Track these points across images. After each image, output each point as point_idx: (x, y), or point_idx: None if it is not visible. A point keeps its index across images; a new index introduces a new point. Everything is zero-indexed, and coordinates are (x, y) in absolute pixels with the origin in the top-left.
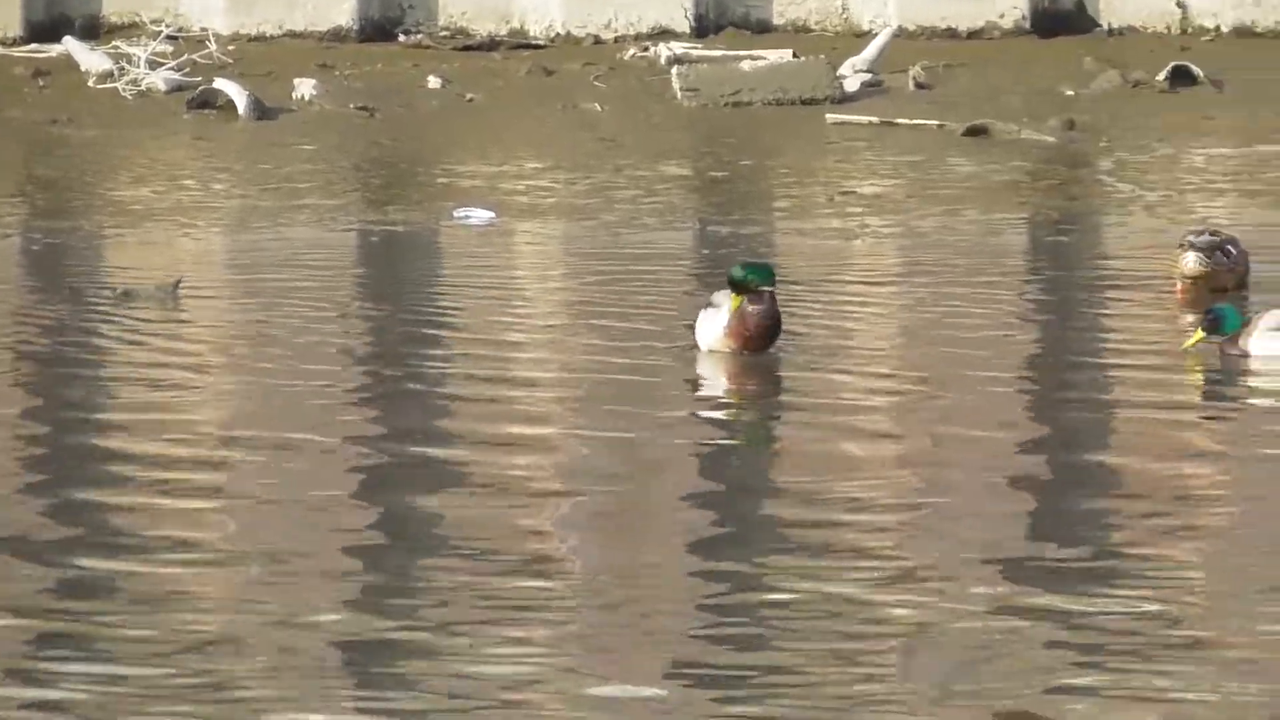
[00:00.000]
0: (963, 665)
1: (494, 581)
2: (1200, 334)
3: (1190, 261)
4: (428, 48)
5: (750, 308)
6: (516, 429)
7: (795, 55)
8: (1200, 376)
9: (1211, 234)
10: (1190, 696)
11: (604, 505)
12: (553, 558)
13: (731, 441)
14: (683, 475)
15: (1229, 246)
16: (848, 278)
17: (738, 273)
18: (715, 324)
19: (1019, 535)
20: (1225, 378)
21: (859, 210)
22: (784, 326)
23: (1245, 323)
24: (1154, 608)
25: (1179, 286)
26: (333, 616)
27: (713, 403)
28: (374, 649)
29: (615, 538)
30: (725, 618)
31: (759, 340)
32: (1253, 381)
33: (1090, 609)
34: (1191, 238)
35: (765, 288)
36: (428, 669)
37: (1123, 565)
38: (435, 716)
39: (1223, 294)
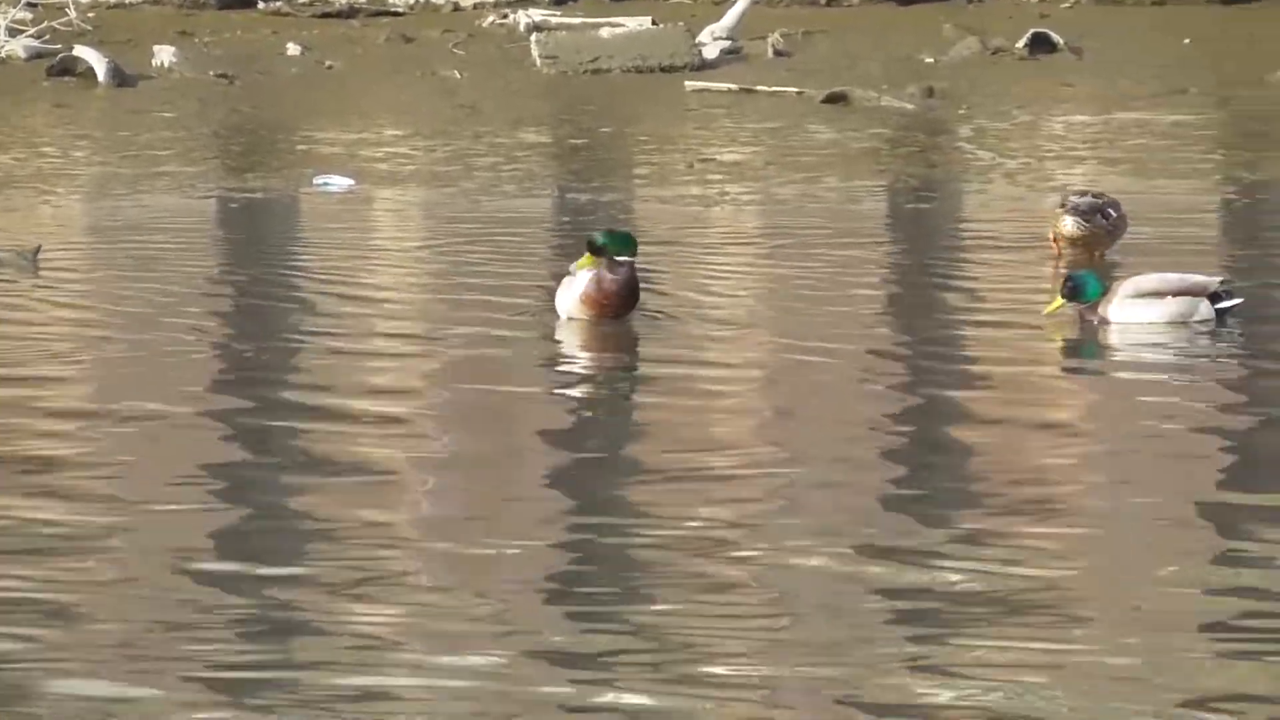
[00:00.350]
0: (801, 621)
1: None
2: (1060, 301)
3: (1069, 224)
4: (287, 15)
5: (608, 275)
6: (371, 399)
7: (654, 22)
8: (1059, 344)
9: (1094, 196)
10: (1038, 661)
11: (459, 482)
12: (399, 528)
13: (588, 413)
14: (536, 445)
15: (1110, 210)
16: (707, 244)
17: (598, 238)
18: (573, 290)
19: (867, 506)
20: (1084, 345)
21: (718, 177)
22: (642, 294)
23: (1105, 289)
24: (1019, 573)
25: (1056, 249)
26: (217, 566)
27: (568, 370)
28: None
29: (468, 501)
30: (578, 587)
31: (616, 307)
32: (1112, 350)
33: (934, 581)
34: (1074, 199)
35: (625, 257)
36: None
37: (975, 537)
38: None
39: (1099, 258)
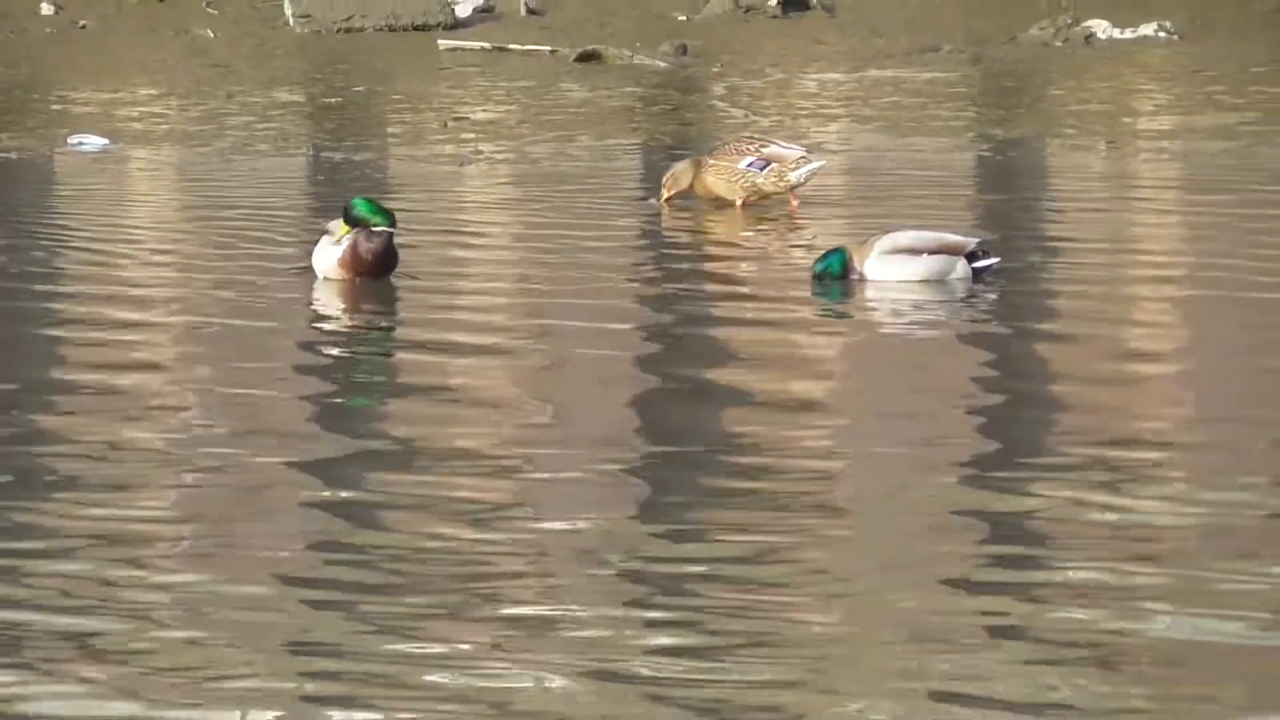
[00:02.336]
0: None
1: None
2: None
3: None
4: None
5: (365, 243)
6: (132, 357)
7: None
8: (818, 302)
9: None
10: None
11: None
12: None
13: (341, 399)
14: (291, 411)
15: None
16: (461, 203)
17: (360, 209)
18: (331, 253)
19: (621, 486)
20: (841, 304)
21: (472, 136)
22: (400, 255)
23: (845, 259)
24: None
25: (793, 203)
26: None
27: (324, 335)
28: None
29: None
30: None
31: (373, 271)
32: (867, 305)
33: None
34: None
35: (382, 227)
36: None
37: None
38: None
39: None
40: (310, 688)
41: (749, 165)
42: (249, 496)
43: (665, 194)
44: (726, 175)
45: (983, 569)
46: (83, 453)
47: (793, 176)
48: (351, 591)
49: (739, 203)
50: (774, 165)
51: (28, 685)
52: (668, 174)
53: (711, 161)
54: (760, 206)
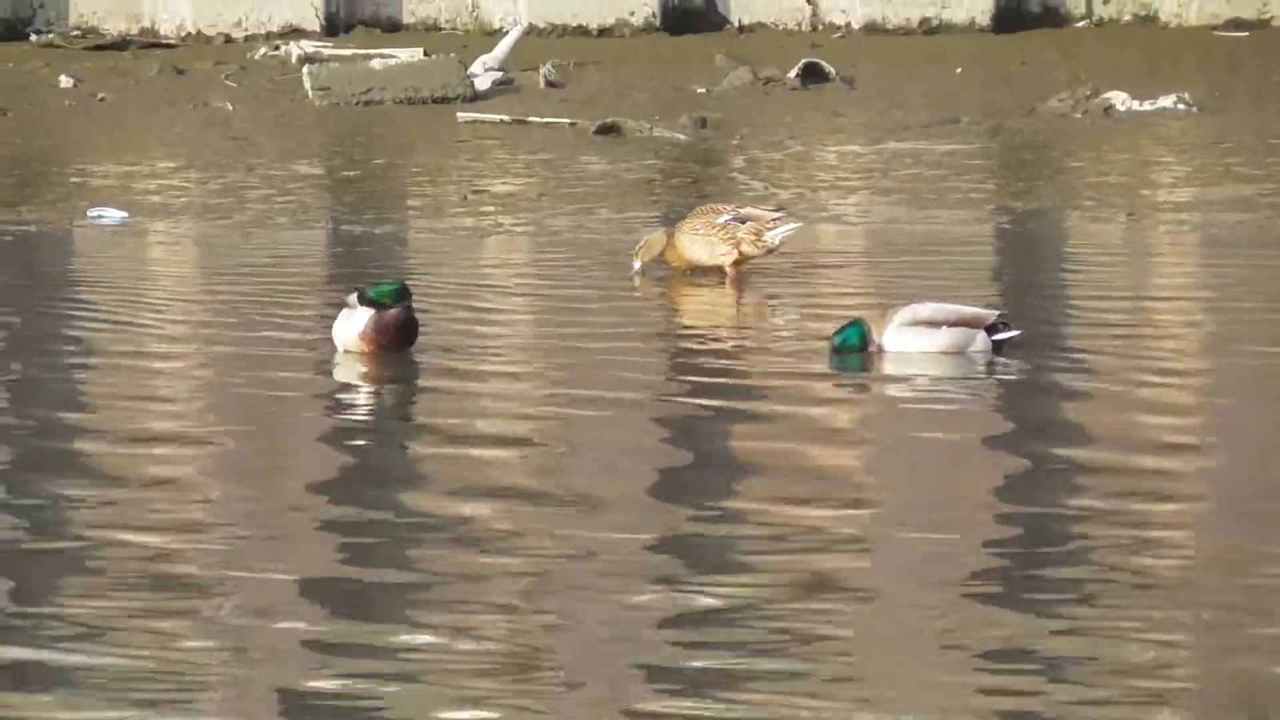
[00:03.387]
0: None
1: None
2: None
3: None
4: (59, 47)
5: (384, 316)
6: (151, 429)
7: (426, 53)
8: (837, 374)
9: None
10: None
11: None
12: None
13: (355, 459)
14: (312, 501)
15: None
16: (481, 276)
17: (374, 295)
18: (351, 326)
19: (609, 549)
20: (860, 375)
21: (492, 209)
22: (421, 326)
23: (864, 332)
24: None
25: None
26: None
27: (346, 409)
28: None
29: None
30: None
31: (394, 344)
32: (887, 377)
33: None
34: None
35: (398, 303)
36: None
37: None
38: None
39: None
40: None
41: (727, 221)
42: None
43: (638, 263)
44: (704, 233)
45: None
46: (100, 523)
47: (769, 237)
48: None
49: (728, 265)
50: (750, 224)
51: None
52: (639, 243)
53: (687, 226)
54: (770, 278)
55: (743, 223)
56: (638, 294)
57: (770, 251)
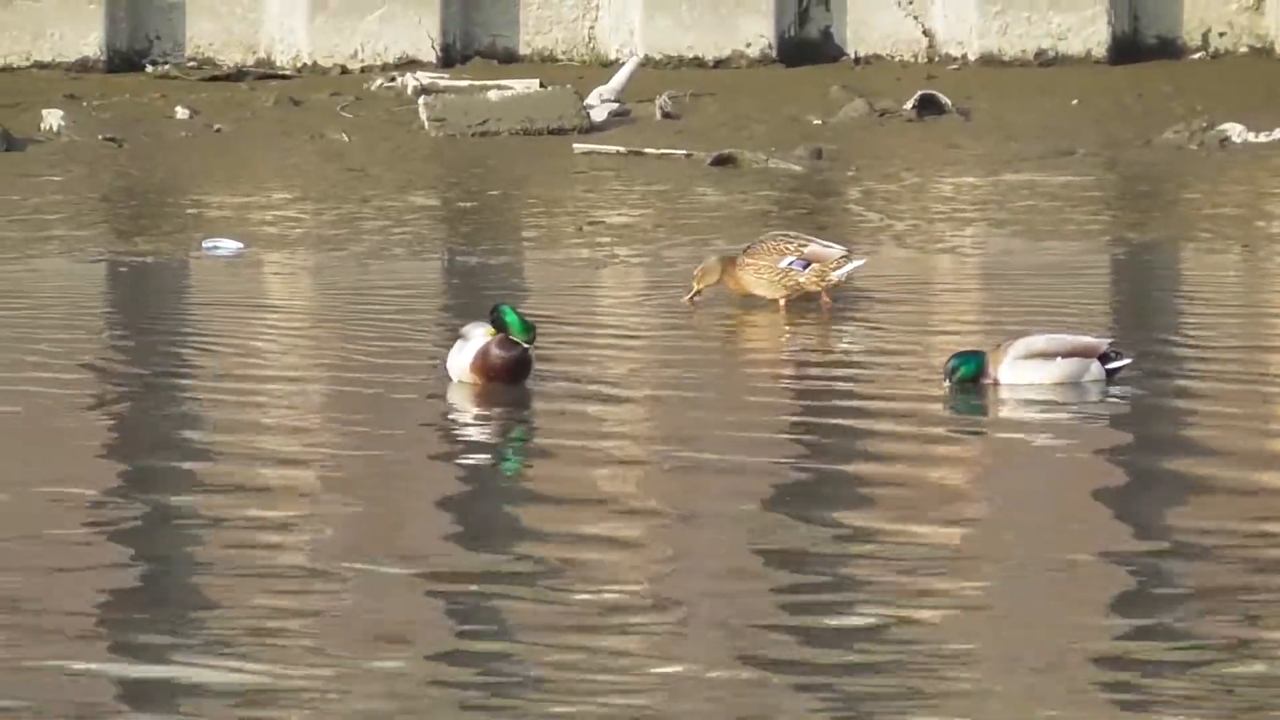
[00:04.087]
0: None
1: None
2: (947, 385)
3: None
4: (175, 78)
5: (496, 350)
6: (268, 457)
7: (542, 85)
8: (954, 407)
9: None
10: None
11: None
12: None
13: (478, 476)
14: (425, 505)
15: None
16: (597, 307)
17: (505, 316)
18: (464, 357)
19: (739, 565)
20: (974, 407)
21: (607, 240)
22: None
23: (982, 363)
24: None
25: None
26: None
27: (458, 435)
28: None
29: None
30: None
31: (505, 377)
32: (1000, 411)
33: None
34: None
35: (521, 341)
36: None
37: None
38: None
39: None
40: None
41: (790, 264)
42: (377, 607)
43: (696, 286)
44: (767, 274)
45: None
46: (221, 543)
47: (834, 275)
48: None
49: (781, 301)
50: (815, 265)
51: None
52: (699, 267)
53: (749, 260)
54: (882, 306)
55: (807, 265)
56: (751, 324)
57: (833, 287)
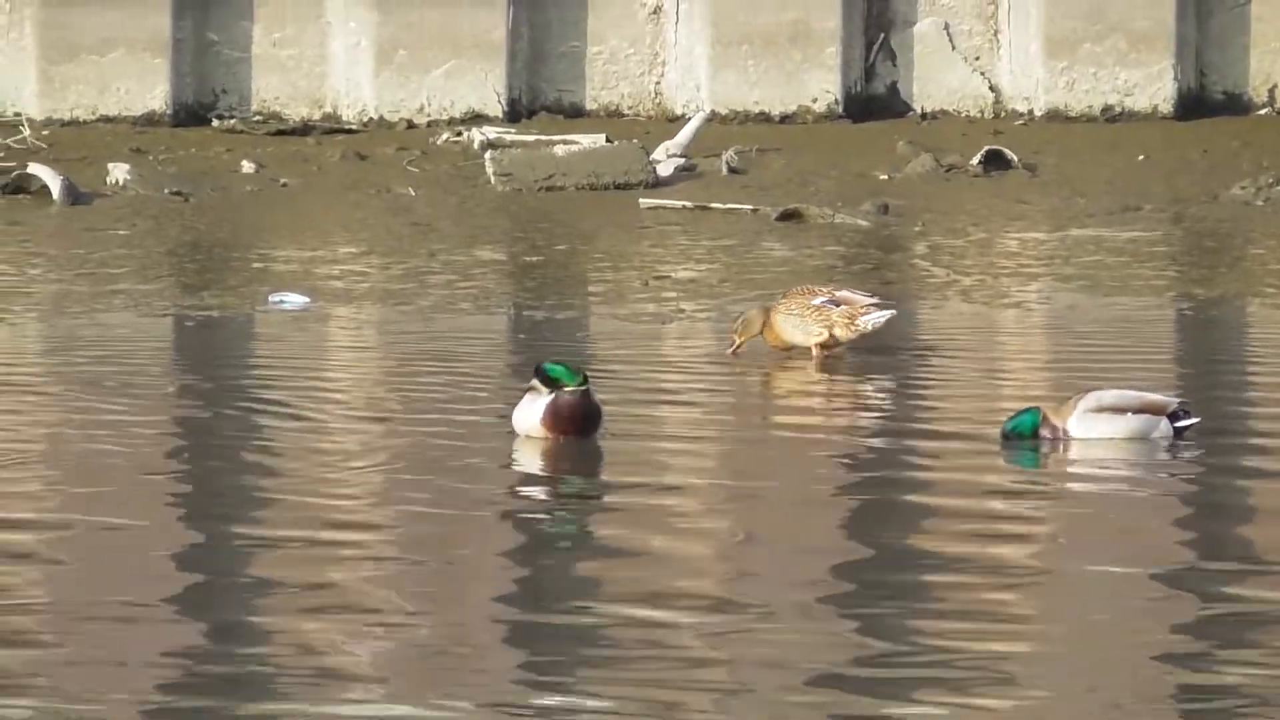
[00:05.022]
0: None
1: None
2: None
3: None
4: (241, 132)
5: (565, 399)
6: (334, 519)
7: (608, 139)
8: (1011, 462)
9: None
10: None
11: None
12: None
13: (551, 531)
14: (495, 563)
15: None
16: (664, 362)
17: (552, 372)
18: (533, 411)
19: (822, 642)
20: (1043, 460)
21: (674, 295)
22: (605, 412)
23: (1042, 419)
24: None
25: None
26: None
27: (527, 490)
28: None
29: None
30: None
31: (576, 429)
32: (1071, 466)
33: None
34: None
35: (574, 386)
36: None
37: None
38: None
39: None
40: None
41: (823, 303)
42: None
43: (738, 340)
44: (800, 313)
45: None
46: (284, 607)
47: (861, 322)
48: None
49: (815, 348)
50: (844, 307)
51: None
52: (737, 320)
53: (783, 306)
54: (948, 359)
55: (837, 305)
56: (814, 381)
57: (863, 335)
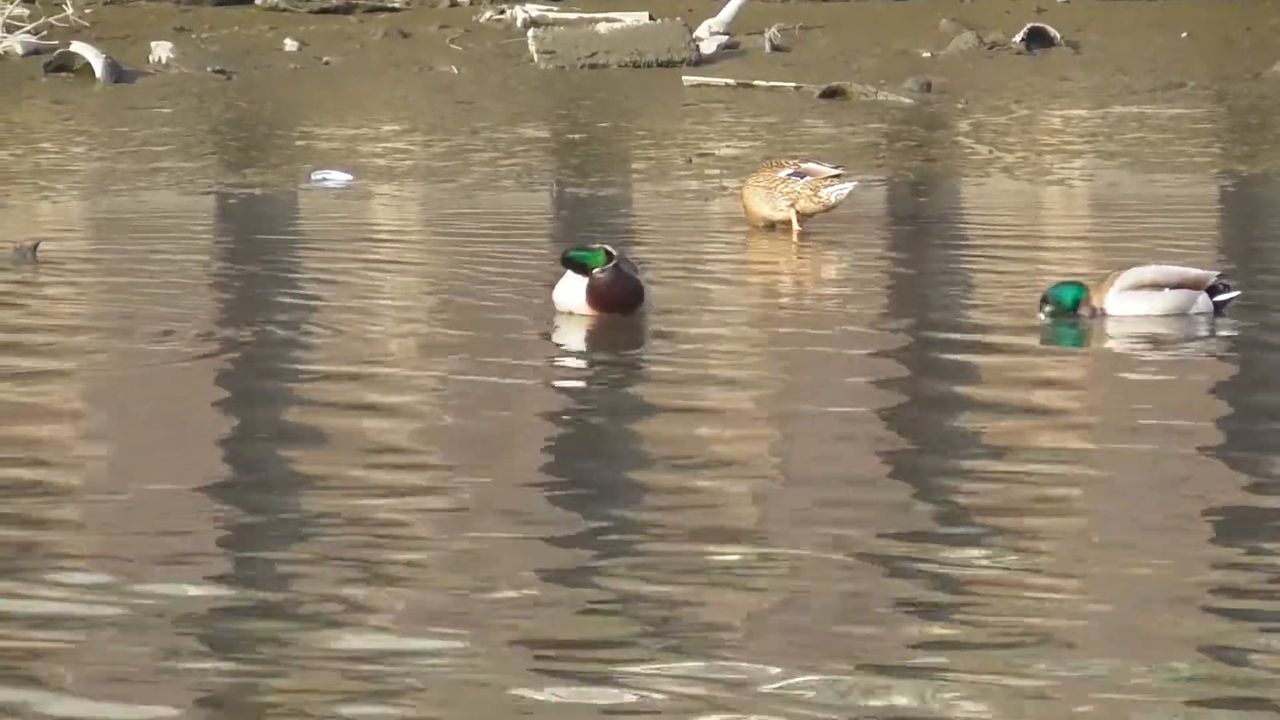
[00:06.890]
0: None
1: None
2: (1042, 316)
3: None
4: (284, 10)
5: (601, 277)
6: (377, 397)
7: (651, 17)
8: (1051, 338)
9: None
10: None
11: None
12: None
13: (587, 405)
14: (538, 436)
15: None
16: (705, 239)
17: (577, 258)
18: (575, 288)
19: (859, 495)
20: (1084, 337)
21: (716, 172)
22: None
23: (1083, 294)
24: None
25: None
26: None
27: (569, 363)
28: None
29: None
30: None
31: (619, 306)
32: (1108, 343)
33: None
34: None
35: (602, 266)
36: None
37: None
38: None
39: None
40: None
41: (788, 175)
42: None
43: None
44: (765, 185)
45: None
46: (328, 489)
47: (825, 194)
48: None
49: (792, 219)
50: (809, 179)
51: None
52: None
53: (752, 180)
54: (993, 238)
55: (802, 177)
56: (855, 249)
57: (828, 209)
